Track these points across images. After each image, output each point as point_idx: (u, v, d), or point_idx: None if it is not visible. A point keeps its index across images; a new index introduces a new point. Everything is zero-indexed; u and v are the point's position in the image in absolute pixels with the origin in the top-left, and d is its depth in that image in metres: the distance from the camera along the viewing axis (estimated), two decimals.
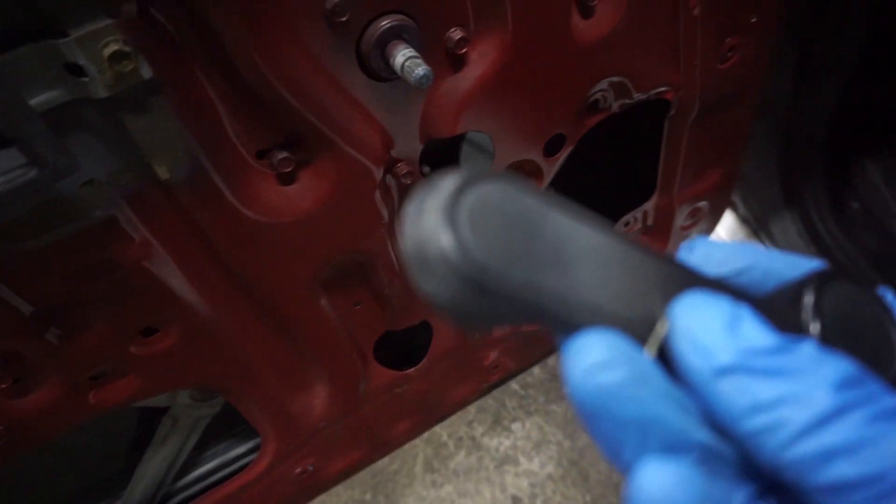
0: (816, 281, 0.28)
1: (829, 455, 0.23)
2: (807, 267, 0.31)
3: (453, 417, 1.49)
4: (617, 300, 0.27)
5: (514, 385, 1.53)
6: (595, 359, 0.25)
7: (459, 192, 0.24)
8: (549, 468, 1.42)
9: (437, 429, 1.48)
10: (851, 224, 1.23)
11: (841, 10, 1.00)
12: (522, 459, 1.43)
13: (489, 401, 1.51)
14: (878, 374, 0.25)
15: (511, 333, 1.01)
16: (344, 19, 0.53)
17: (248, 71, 0.53)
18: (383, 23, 0.55)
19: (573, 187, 1.15)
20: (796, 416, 0.23)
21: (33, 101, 0.45)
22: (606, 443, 0.25)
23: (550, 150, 0.77)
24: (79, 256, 0.57)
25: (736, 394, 0.24)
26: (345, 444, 0.99)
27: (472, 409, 1.50)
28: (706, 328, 0.25)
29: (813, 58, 1.10)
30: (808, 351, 0.25)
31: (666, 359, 0.26)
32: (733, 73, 0.84)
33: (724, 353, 0.24)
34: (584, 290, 0.26)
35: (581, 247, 0.27)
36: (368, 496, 1.41)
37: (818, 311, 0.27)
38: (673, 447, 0.25)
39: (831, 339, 0.26)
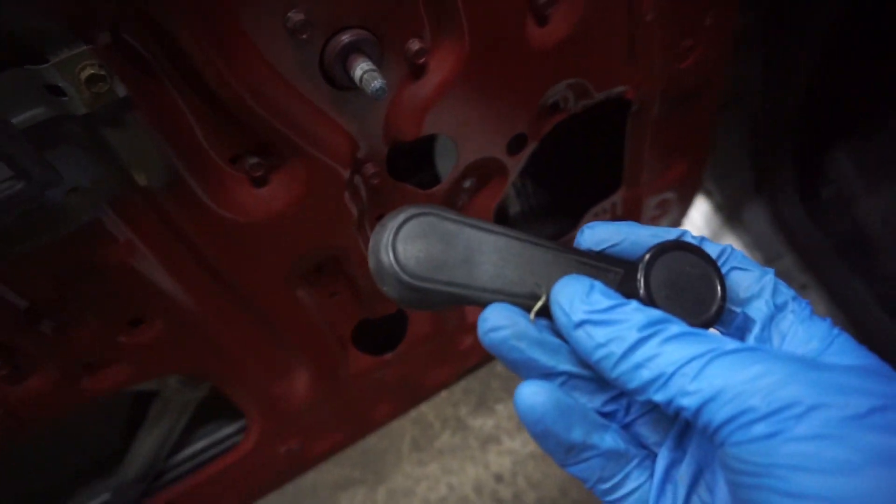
0: (653, 252, 0.41)
1: (635, 368, 0.35)
2: (666, 237, 0.42)
3: (439, 399, 1.54)
4: (510, 284, 0.40)
5: (498, 367, 1.58)
6: (490, 324, 0.38)
7: (400, 226, 0.38)
8: (531, 447, 1.47)
9: (423, 409, 1.54)
10: (821, 211, 1.27)
11: None
12: (505, 439, 1.49)
13: (474, 383, 1.56)
14: (693, 316, 0.39)
15: None
16: (305, 37, 0.57)
17: (217, 86, 0.57)
18: (343, 37, 0.60)
19: (546, 179, 1.20)
20: (616, 348, 0.36)
21: (17, 119, 0.49)
22: (515, 373, 0.39)
23: (513, 148, 0.81)
24: (69, 256, 0.62)
25: (585, 338, 0.37)
26: (328, 425, 1.05)
27: (457, 391, 1.56)
28: (570, 298, 0.38)
29: (781, 47, 1.12)
30: (629, 308, 0.37)
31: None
32: (692, 71, 0.88)
33: (578, 313, 0.37)
34: (485, 281, 0.39)
35: (484, 250, 0.40)
36: (357, 473, 1.47)
37: (646, 276, 0.40)
38: (546, 375, 0.39)
39: (654, 296, 0.40)
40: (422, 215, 0.39)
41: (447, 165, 0.81)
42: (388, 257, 0.38)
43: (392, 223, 0.38)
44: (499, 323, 0.38)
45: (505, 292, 0.39)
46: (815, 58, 1.10)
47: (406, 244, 0.38)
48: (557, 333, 0.39)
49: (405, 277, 0.37)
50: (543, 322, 0.40)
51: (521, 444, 1.49)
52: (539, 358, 0.38)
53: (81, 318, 0.68)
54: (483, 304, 0.39)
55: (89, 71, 0.49)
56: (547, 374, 0.39)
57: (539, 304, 0.39)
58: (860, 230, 1.24)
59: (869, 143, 1.24)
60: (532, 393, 0.37)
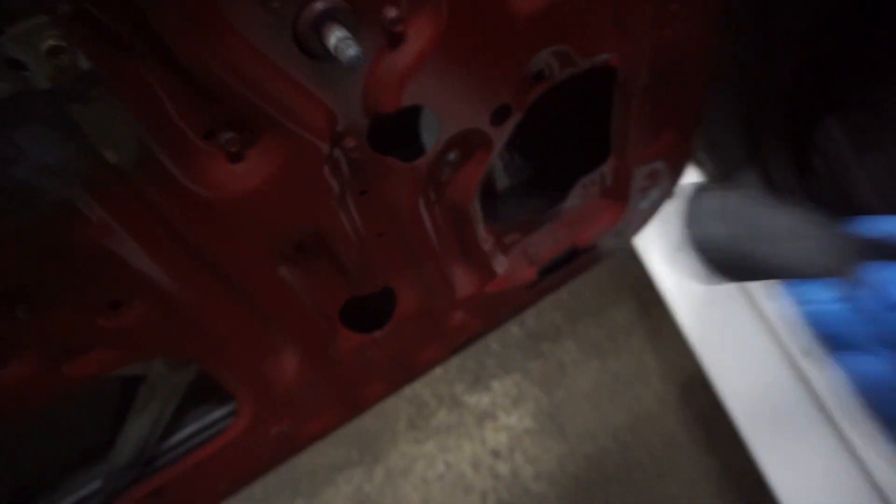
0: None
1: None
2: None
3: (434, 377, 1.54)
4: (811, 263, 0.41)
5: (493, 344, 1.58)
6: (801, 297, 0.42)
7: (707, 204, 0.43)
8: (527, 422, 1.47)
9: (418, 388, 1.53)
10: (813, 182, 1.26)
11: None
12: (501, 415, 1.49)
13: (469, 360, 1.56)
14: None
15: (474, 295, 1.05)
16: (276, 5, 0.56)
17: (187, 58, 0.55)
18: (317, 5, 0.58)
19: (533, 152, 1.18)
20: None
21: None
22: (820, 344, 0.41)
23: (497, 119, 0.80)
24: (40, 237, 0.60)
25: None
26: (319, 406, 1.04)
27: (452, 369, 1.55)
28: (885, 281, 0.39)
29: (773, 17, 1.11)
30: None
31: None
32: (679, 38, 0.86)
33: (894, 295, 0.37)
34: (789, 258, 0.41)
35: (785, 228, 0.42)
36: (355, 454, 1.47)
37: None
38: (853, 351, 0.40)
39: None
40: (726, 195, 0.43)
41: (433, 138, 0.79)
42: (701, 232, 0.42)
43: (700, 200, 0.43)
44: (810, 297, 0.41)
45: (807, 270, 0.41)
46: (807, 27, 1.08)
47: (715, 221, 0.42)
48: (862, 313, 0.41)
49: (716, 251, 0.41)
50: (846, 303, 0.41)
51: (518, 420, 1.49)
52: (849, 333, 0.41)
53: (58, 301, 0.66)
54: (784, 279, 0.42)
55: (50, 42, 0.48)
56: (855, 351, 0.41)
57: (844, 282, 0.41)
58: (852, 201, 1.23)
59: (861, 113, 1.23)
60: (866, 363, 0.40)
